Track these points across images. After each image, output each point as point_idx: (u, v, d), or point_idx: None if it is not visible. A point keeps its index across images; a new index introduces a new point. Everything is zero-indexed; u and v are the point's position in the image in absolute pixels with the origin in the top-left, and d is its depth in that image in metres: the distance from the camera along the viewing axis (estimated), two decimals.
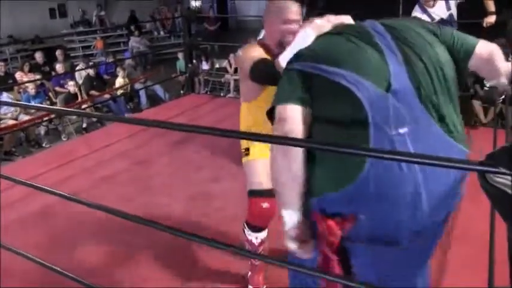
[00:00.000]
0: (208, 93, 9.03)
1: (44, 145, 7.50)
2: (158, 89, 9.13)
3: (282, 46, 2.03)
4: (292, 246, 1.44)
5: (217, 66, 11.07)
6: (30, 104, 6.99)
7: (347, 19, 1.66)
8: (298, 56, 1.46)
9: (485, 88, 6.45)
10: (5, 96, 7.42)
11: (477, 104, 6.74)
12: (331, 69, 1.32)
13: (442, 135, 1.32)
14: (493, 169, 1.07)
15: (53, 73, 9.00)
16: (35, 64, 9.42)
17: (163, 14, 16.69)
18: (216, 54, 12.59)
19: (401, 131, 1.28)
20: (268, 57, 2.09)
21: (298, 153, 1.34)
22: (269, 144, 1.65)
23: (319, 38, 1.56)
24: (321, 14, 1.69)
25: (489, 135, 3.08)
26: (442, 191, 1.32)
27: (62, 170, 4.41)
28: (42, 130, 7.61)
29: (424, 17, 4.66)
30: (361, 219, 1.31)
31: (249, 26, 18.31)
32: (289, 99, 1.36)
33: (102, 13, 15.23)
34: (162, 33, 15.95)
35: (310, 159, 1.36)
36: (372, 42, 1.37)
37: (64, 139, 7.75)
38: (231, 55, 10.36)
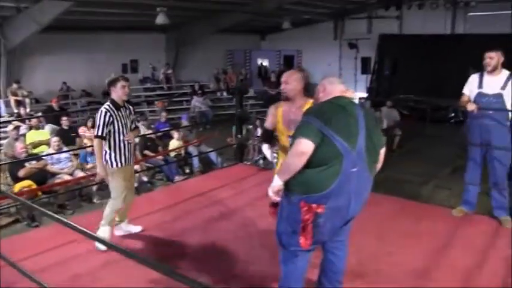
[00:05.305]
0: (261, 160, 9.00)
1: (94, 201, 7.68)
2: (211, 153, 9.23)
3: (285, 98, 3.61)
4: (271, 194, 2.81)
5: None
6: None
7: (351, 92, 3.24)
8: (314, 113, 2.74)
9: None
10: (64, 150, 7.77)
11: None
12: (331, 133, 2.60)
13: (368, 173, 2.78)
14: None
15: None
16: None
17: (228, 75, 17.16)
18: None
19: (353, 170, 2.65)
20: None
21: (301, 160, 2.62)
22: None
23: (329, 102, 2.83)
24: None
25: None
26: (362, 198, 2.81)
27: None
28: (94, 186, 7.82)
29: (474, 84, 4.60)
30: (326, 207, 2.67)
31: (312, 92, 18.51)
32: (303, 136, 2.62)
33: (169, 71, 15.89)
34: (225, 94, 16.33)
35: (305, 171, 2.65)
36: (354, 114, 2.73)
37: None
38: None
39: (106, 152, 4.22)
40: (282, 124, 3.54)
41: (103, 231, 4.31)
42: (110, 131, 4.18)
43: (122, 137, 4.24)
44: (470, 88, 4.69)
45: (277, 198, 2.84)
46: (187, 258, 4.10)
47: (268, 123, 3.69)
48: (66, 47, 13.82)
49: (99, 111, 4.17)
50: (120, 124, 4.22)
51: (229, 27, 16.00)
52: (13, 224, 6.62)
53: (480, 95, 4.57)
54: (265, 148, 3.26)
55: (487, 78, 4.56)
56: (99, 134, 4.12)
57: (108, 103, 4.22)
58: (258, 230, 4.33)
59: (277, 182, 2.78)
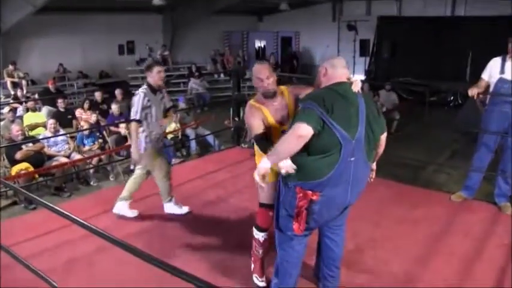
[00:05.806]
0: None
1: (91, 183, 7.65)
2: (208, 135, 9.18)
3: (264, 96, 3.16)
4: (257, 177, 2.66)
5: None
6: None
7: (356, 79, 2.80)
8: (315, 99, 2.60)
9: None
10: (61, 132, 7.70)
11: None
12: (332, 122, 2.53)
13: (366, 161, 2.74)
14: None
15: (110, 111, 9.14)
16: (95, 102, 9.75)
17: (225, 57, 17.03)
18: None
19: (352, 159, 2.62)
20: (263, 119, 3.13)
21: (298, 144, 2.52)
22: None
23: (330, 88, 2.69)
24: None
25: None
26: (359, 186, 2.79)
27: (95, 221, 4.41)
28: (91, 169, 7.79)
29: (495, 69, 4.45)
30: (322, 194, 2.64)
31: (313, 73, 18.36)
32: (304, 121, 2.50)
33: (166, 53, 15.72)
34: (222, 75, 16.19)
35: (304, 158, 2.60)
36: (355, 102, 2.65)
37: (111, 179, 7.87)
38: None
39: (143, 137, 4.34)
40: (276, 123, 3.18)
41: (169, 207, 4.68)
42: (146, 114, 4.27)
43: (156, 121, 4.35)
44: (491, 73, 4.53)
45: (262, 184, 2.68)
46: (183, 241, 4.10)
47: (259, 129, 3.09)
48: (62, 28, 13.66)
49: (137, 95, 4.25)
50: (156, 108, 4.32)
51: (226, 8, 15.80)
52: (11, 206, 6.61)
53: (501, 80, 4.41)
54: (285, 163, 2.65)
55: (509, 63, 4.39)
56: (137, 117, 4.22)
57: (145, 87, 4.30)
58: (254, 214, 4.33)
59: (265, 164, 2.60)
